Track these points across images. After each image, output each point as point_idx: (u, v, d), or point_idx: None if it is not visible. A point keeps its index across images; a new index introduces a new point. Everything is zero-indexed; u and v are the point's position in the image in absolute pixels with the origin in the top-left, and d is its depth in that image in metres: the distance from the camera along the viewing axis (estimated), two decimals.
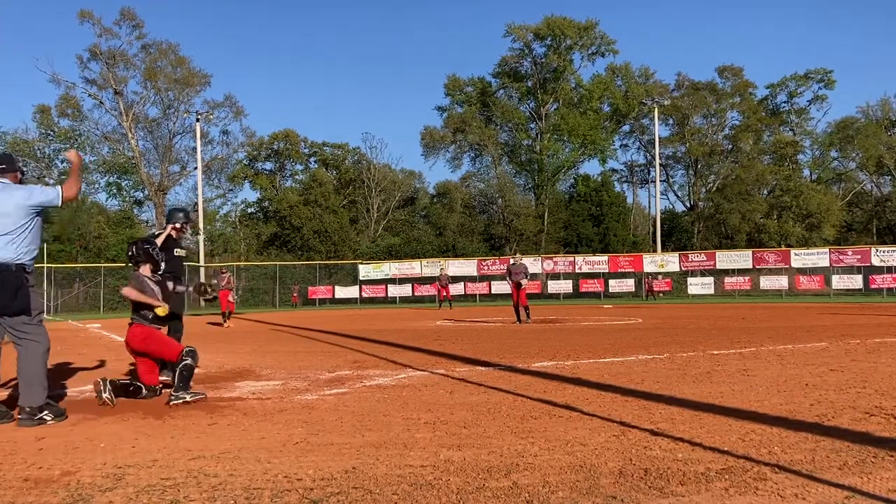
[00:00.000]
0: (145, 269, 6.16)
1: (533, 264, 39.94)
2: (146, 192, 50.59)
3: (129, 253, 6.25)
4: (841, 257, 37.52)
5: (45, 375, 5.07)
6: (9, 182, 5.12)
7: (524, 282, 17.28)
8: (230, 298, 21.03)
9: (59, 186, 5.22)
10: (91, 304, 37.22)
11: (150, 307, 5.95)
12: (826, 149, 59.20)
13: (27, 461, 3.89)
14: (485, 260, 43.74)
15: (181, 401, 5.61)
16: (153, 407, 5.63)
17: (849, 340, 10.36)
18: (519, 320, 17.29)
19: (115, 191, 50.53)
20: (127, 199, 51.30)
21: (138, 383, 6.02)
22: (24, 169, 5.58)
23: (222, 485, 3.34)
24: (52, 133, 47.74)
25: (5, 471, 3.69)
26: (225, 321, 20.43)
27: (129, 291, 5.91)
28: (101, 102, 49.21)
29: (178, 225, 7.91)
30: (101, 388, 5.61)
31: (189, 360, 5.89)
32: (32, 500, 3.16)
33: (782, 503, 2.89)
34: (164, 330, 6.42)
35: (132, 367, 7.32)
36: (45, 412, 4.95)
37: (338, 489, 3.23)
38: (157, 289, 6.15)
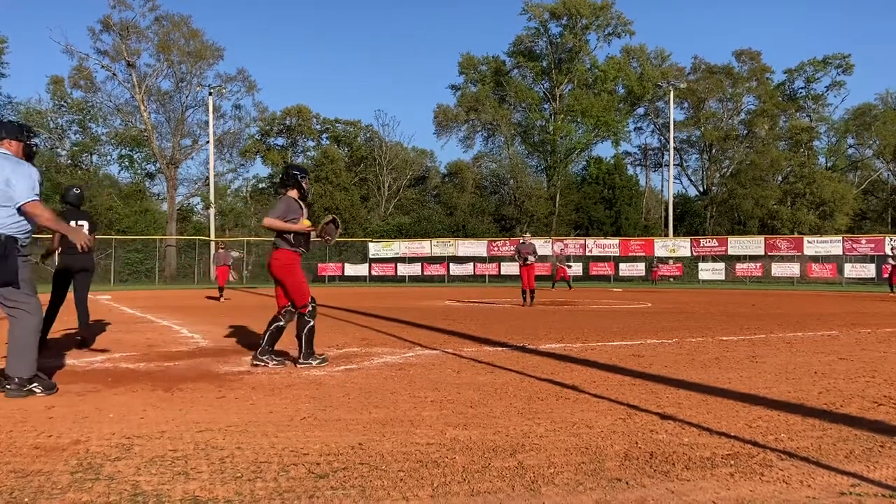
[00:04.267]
0: (293, 193, 6.51)
1: (543, 246, 39.88)
2: (157, 164, 50.65)
3: (281, 176, 6.75)
4: (854, 246, 37.25)
5: (36, 347, 5.00)
6: (6, 153, 4.96)
7: (531, 258, 17.14)
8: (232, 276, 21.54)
9: (36, 199, 4.88)
10: (102, 276, 37.38)
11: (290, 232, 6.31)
12: (842, 136, 58.56)
13: (37, 429, 3.93)
14: (495, 241, 43.66)
15: (308, 365, 6.02)
16: (162, 379, 5.68)
17: (859, 329, 10.31)
18: (525, 302, 17.21)
19: (126, 163, 50.61)
20: (139, 171, 51.40)
21: None
22: (34, 140, 5.34)
23: (229, 457, 3.36)
24: (65, 104, 47.76)
25: (16, 438, 3.73)
26: (221, 296, 20.56)
27: (270, 222, 6.19)
28: (113, 74, 49.10)
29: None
30: None
31: (312, 322, 6.27)
32: (42, 467, 3.20)
33: (788, 489, 2.88)
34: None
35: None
36: (35, 384, 4.91)
37: (344, 464, 3.24)
38: (304, 209, 6.53)
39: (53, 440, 3.70)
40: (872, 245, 36.82)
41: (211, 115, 44.57)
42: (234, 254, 22.28)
